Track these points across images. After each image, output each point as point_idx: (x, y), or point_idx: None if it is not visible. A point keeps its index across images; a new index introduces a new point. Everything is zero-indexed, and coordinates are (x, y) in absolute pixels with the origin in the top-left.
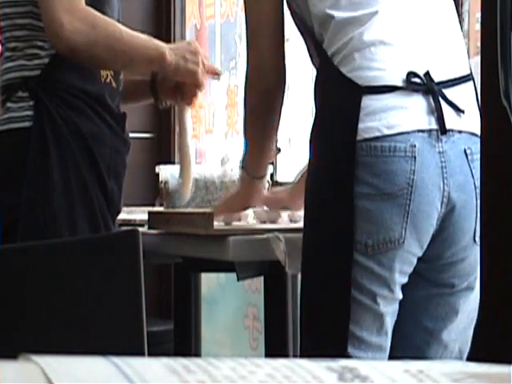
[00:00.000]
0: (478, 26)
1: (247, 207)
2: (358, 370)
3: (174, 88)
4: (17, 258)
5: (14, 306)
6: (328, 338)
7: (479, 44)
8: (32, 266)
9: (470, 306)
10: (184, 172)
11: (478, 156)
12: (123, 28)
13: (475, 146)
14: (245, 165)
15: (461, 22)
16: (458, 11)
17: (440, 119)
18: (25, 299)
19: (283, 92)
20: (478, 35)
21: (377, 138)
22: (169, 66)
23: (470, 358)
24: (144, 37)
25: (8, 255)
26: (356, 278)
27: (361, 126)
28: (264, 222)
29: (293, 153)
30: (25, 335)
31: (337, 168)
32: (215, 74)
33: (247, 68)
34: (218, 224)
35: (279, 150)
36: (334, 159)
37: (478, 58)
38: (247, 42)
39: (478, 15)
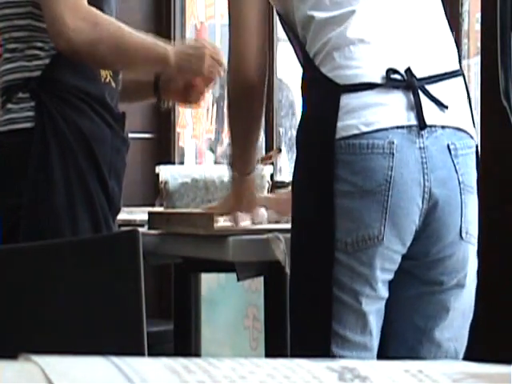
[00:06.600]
0: (477, 26)
1: (239, 208)
2: (358, 370)
3: (181, 89)
4: (17, 258)
5: (14, 306)
6: (311, 337)
7: (479, 44)
8: (32, 266)
9: (462, 304)
10: None
11: (465, 151)
12: (126, 28)
13: (460, 142)
14: (231, 162)
15: (461, 22)
16: (458, 11)
17: (419, 115)
18: (25, 299)
19: (264, 84)
20: (478, 35)
21: (355, 136)
22: (172, 67)
23: (470, 358)
24: (148, 38)
25: (8, 255)
26: (337, 277)
27: (339, 124)
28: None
29: (292, 153)
30: (25, 335)
31: (317, 167)
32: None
33: (228, 61)
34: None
35: (280, 150)
36: (315, 158)
37: (478, 58)
38: (229, 36)
39: (478, 15)
